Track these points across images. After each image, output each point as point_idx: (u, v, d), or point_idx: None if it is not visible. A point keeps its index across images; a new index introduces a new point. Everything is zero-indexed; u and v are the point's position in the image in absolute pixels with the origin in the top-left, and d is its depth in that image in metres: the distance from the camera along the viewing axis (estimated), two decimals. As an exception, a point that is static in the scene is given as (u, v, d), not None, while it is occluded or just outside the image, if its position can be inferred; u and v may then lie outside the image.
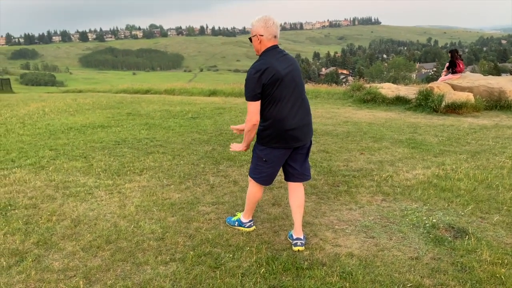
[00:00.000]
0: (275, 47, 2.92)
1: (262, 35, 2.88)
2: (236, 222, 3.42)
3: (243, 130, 3.08)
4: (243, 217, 3.39)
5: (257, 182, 3.16)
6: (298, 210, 3.14)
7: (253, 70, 2.83)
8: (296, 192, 3.16)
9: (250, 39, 2.96)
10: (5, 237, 3.30)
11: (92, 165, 5.32)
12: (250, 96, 2.84)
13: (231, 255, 2.96)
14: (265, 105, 2.88)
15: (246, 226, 3.37)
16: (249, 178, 3.22)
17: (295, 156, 3.07)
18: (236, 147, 3.19)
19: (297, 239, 3.08)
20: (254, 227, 3.40)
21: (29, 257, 2.98)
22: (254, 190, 3.23)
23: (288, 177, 3.18)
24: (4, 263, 2.91)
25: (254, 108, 2.85)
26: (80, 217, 3.67)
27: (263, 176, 3.10)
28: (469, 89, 10.54)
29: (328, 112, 10.07)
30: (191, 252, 2.99)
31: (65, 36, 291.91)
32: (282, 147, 2.97)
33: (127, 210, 3.83)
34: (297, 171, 3.10)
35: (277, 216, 3.64)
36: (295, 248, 3.03)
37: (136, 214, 3.72)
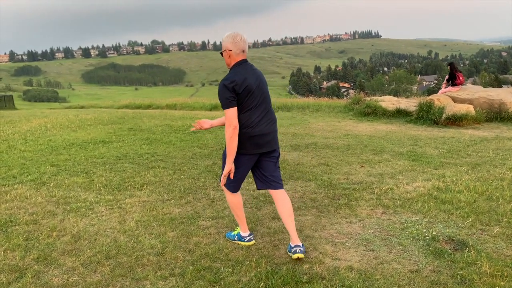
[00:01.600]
0: (244, 61, 3.10)
1: (231, 50, 3.07)
2: (236, 237, 3.42)
3: (207, 125, 3.34)
4: (241, 231, 3.40)
5: (226, 188, 3.29)
6: (289, 220, 3.17)
7: (227, 81, 2.99)
8: (282, 201, 3.22)
9: (221, 53, 3.17)
10: (5, 253, 3.31)
11: (93, 180, 5.34)
12: (226, 103, 2.99)
13: (230, 270, 2.95)
14: (239, 113, 3.05)
15: (245, 240, 3.38)
16: (223, 188, 3.33)
17: (264, 163, 3.22)
18: (223, 176, 3.16)
19: (296, 246, 3.09)
20: (253, 241, 3.40)
21: (28, 273, 2.98)
22: (230, 197, 3.34)
23: (262, 184, 3.27)
24: (4, 279, 2.91)
25: (231, 113, 2.99)
26: (80, 233, 3.68)
27: (232, 181, 3.21)
28: (469, 101, 10.58)
29: (329, 125, 10.10)
30: (191, 267, 2.99)
31: (68, 53, 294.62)
32: (248, 153, 3.12)
33: (127, 225, 3.83)
34: (268, 178, 3.23)
35: (277, 230, 3.64)
36: (295, 256, 3.03)
37: (136, 229, 3.73)
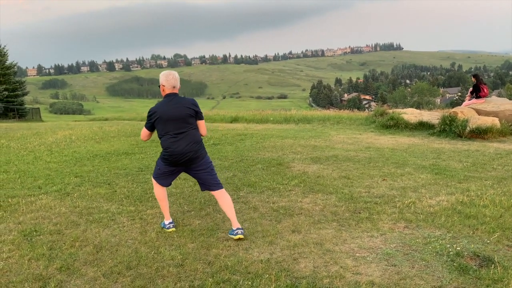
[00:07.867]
0: (171, 95, 3.80)
1: (164, 85, 3.80)
2: (162, 224, 4.10)
3: None
4: (165, 219, 4.11)
5: (154, 179, 4.04)
6: (229, 210, 3.85)
7: (150, 110, 3.82)
8: (222, 198, 3.89)
9: (159, 86, 3.86)
10: (29, 263, 3.38)
11: (116, 191, 5.42)
12: (145, 124, 3.89)
13: (249, 283, 2.94)
14: (159, 136, 3.82)
15: (166, 227, 4.02)
16: (152, 181, 4.10)
17: (197, 174, 3.89)
18: None
19: (237, 229, 3.74)
20: (173, 228, 4.00)
21: (52, 282, 3.03)
22: (156, 189, 4.07)
23: (203, 187, 3.97)
24: (28, 288, 2.96)
25: (144, 132, 3.93)
26: (102, 243, 3.73)
27: (159, 177, 3.98)
28: (494, 114, 10.36)
29: (350, 138, 10.03)
30: (210, 279, 2.99)
31: (93, 66, 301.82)
32: (168, 164, 3.87)
33: (148, 236, 3.87)
34: (206, 183, 3.91)
35: (297, 243, 3.61)
36: (236, 237, 3.68)
37: (157, 240, 3.76)
